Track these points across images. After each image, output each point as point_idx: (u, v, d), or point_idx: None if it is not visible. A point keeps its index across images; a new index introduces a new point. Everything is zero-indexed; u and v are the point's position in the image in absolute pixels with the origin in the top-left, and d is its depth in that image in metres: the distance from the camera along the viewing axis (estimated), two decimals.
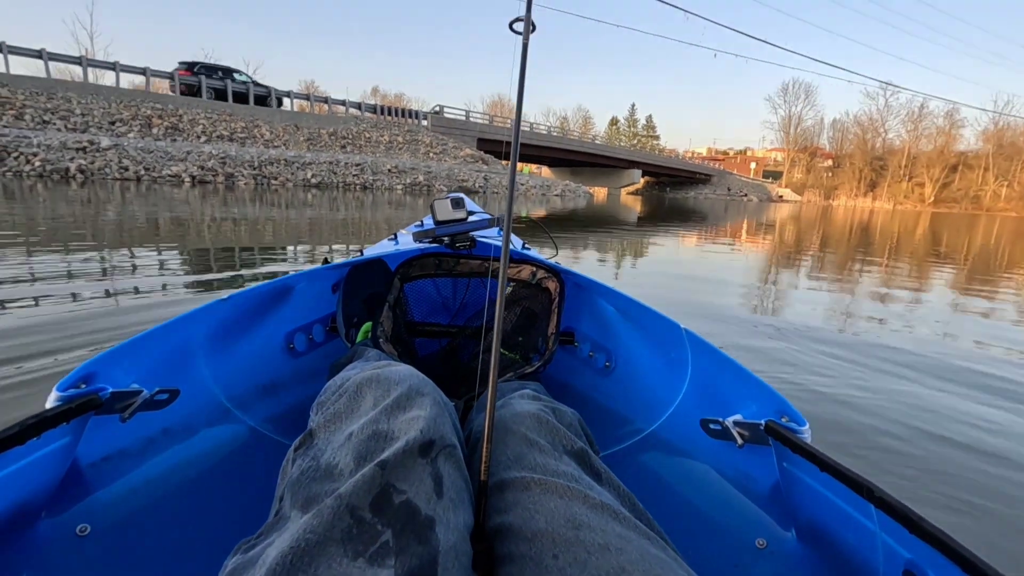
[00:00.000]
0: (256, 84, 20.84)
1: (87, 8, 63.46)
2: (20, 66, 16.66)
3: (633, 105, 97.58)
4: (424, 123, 26.22)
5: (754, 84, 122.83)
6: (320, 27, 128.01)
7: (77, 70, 18.00)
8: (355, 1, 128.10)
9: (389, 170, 18.05)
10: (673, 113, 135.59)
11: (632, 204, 21.41)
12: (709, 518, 0.79)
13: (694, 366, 0.91)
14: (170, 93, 18.62)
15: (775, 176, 65.41)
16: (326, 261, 1.27)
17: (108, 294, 2.58)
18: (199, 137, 16.40)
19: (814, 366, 2.15)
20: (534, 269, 1.22)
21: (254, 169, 14.59)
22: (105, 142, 12.96)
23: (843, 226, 13.82)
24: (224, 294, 0.90)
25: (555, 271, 1.19)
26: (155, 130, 15.76)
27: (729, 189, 51.29)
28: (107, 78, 19.87)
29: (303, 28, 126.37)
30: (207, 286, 2.91)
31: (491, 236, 1.38)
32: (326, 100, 24.22)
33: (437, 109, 27.14)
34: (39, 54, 16.01)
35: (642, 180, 49.20)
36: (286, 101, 22.26)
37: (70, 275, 2.90)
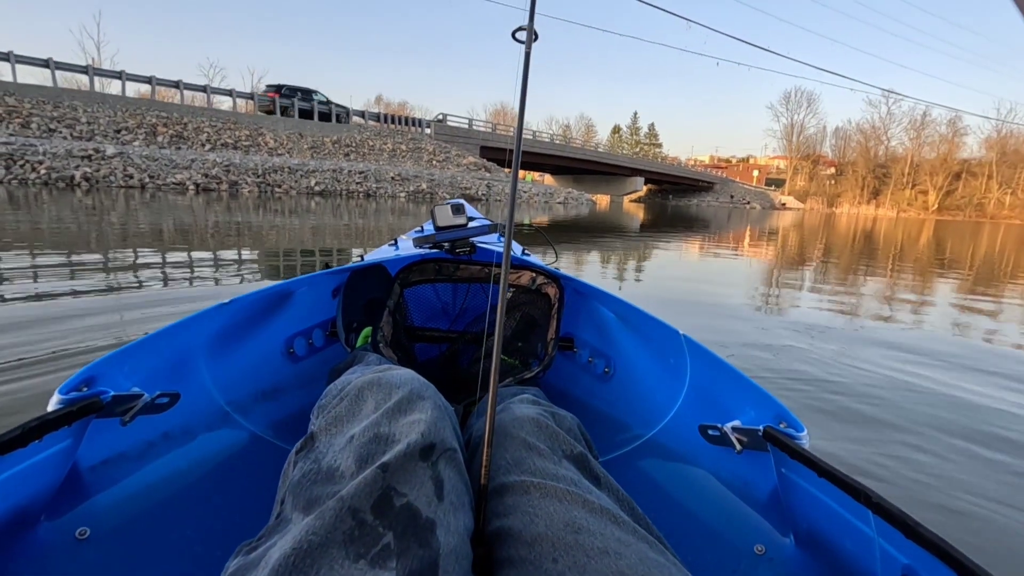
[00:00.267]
0: (334, 104, 22.86)
1: (94, 18, 64.47)
2: (27, 75, 16.88)
3: (636, 113, 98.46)
4: (427, 131, 26.38)
5: (756, 92, 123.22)
6: (324, 36, 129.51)
7: (83, 79, 18.18)
8: (360, 10, 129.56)
9: (392, 178, 18.15)
10: (676, 121, 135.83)
11: (635, 212, 21.43)
12: (707, 524, 0.78)
13: (693, 372, 0.91)
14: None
15: (778, 184, 65.29)
16: (327, 266, 1.27)
17: (110, 298, 2.59)
18: (203, 145, 16.56)
19: (825, 368, 2.14)
20: (534, 275, 1.22)
21: (258, 177, 14.69)
22: (110, 150, 13.08)
23: (846, 234, 13.80)
24: (225, 299, 0.90)
25: (555, 277, 1.19)
26: (160, 138, 15.92)
27: (732, 197, 51.22)
28: (113, 87, 20.12)
29: (309, 37, 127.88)
30: (209, 291, 2.92)
31: (491, 242, 1.39)
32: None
33: (440, 117, 27.29)
34: (46, 63, 16.22)
35: (645, 188, 49.21)
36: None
37: (72, 278, 2.92)
